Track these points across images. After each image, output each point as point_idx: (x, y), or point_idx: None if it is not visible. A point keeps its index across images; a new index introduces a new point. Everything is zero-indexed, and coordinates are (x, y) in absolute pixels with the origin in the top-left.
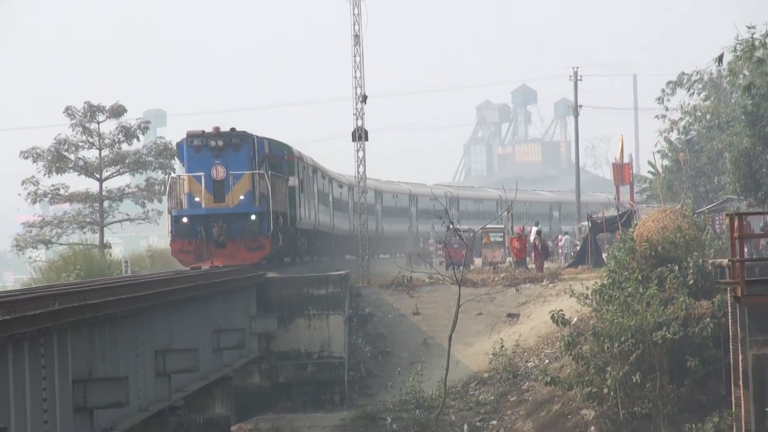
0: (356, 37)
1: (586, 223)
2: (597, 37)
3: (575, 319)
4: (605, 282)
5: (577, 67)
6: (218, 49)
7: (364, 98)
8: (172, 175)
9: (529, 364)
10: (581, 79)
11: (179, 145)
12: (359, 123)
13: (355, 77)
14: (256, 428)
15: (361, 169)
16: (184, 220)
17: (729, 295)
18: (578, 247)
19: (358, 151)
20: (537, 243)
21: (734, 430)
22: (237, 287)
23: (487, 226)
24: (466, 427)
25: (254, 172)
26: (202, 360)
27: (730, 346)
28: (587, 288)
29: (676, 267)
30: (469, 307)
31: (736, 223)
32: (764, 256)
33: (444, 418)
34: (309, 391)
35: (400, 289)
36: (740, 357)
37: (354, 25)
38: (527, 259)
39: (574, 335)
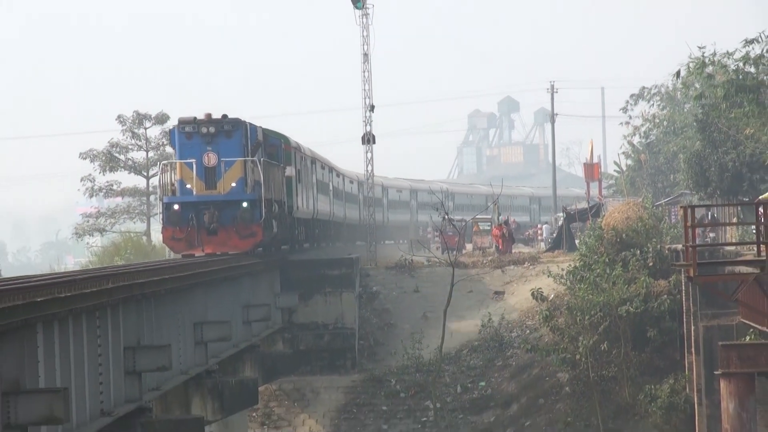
0: (365, 55)
1: (561, 214)
2: (571, 55)
3: (552, 296)
4: (578, 264)
5: (554, 81)
6: (243, 62)
7: (372, 107)
8: (164, 162)
9: (512, 334)
10: (557, 92)
11: (171, 132)
12: (368, 128)
13: (365, 89)
14: (280, 389)
15: (369, 168)
16: (176, 207)
17: (683, 275)
18: (555, 235)
19: (366, 152)
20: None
21: (687, 390)
22: (263, 268)
23: (477, 216)
24: (459, 387)
25: (246, 159)
26: (234, 330)
27: (684, 319)
28: (562, 269)
29: (638, 251)
30: (461, 286)
31: (689, 214)
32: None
33: (440, 380)
34: (325, 357)
35: (402, 270)
36: (692, 328)
37: (363, 45)
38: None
39: (551, 309)
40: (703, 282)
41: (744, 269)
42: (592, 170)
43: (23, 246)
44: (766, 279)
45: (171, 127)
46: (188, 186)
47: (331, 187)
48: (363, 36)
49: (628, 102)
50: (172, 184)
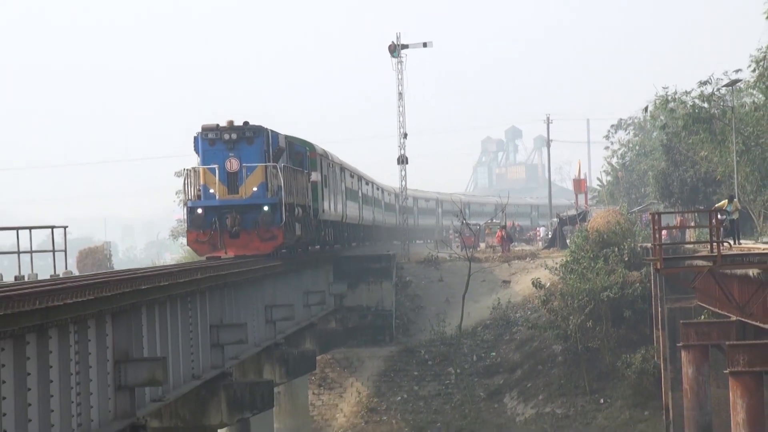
0: (400, 94)
1: (555, 219)
2: (563, 94)
3: (548, 284)
4: (568, 259)
5: (549, 114)
6: (305, 97)
7: (405, 135)
8: (187, 167)
9: (517, 315)
10: (552, 122)
11: (195, 138)
12: (402, 152)
13: (399, 121)
14: (333, 358)
15: (403, 183)
16: (199, 211)
17: (652, 268)
18: (550, 236)
19: (401, 171)
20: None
21: (655, 358)
22: (320, 262)
23: (489, 221)
24: (474, 356)
25: (267, 164)
26: (297, 312)
27: (653, 302)
28: (556, 263)
29: (616, 249)
30: (476, 277)
31: (656, 219)
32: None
33: (459, 350)
34: (368, 332)
35: (429, 264)
36: (659, 309)
37: (398, 86)
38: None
39: (547, 295)
40: (668, 273)
41: (700, 263)
42: (579, 185)
43: (131, 245)
44: (717, 271)
45: (195, 134)
46: (211, 191)
47: (360, 194)
48: (398, 79)
49: (609, 131)
50: (198, 189)
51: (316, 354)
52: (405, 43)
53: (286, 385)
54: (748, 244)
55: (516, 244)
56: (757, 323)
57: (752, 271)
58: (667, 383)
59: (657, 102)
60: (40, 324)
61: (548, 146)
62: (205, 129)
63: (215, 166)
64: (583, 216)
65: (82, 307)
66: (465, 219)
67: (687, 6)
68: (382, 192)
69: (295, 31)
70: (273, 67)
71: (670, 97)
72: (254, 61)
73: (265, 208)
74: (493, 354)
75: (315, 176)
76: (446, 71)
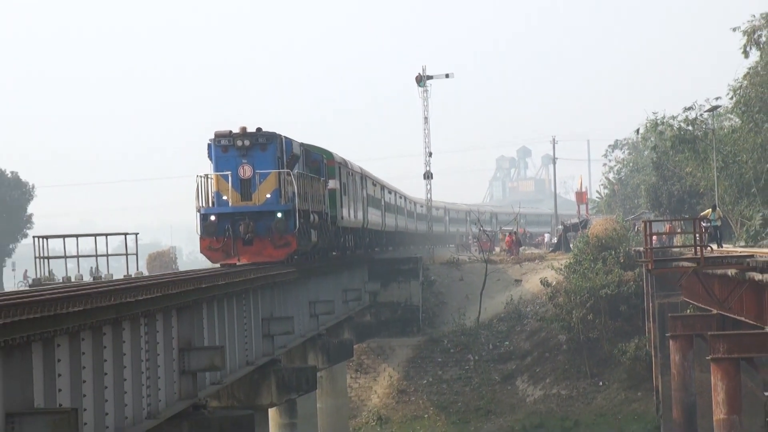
0: (425, 118)
1: (560, 226)
2: (567, 118)
3: (554, 282)
4: (572, 261)
5: (555, 136)
6: (342, 120)
7: (430, 154)
8: (200, 174)
9: (527, 309)
10: (557, 143)
11: (209, 145)
12: (428, 168)
13: (425, 141)
14: (368, 346)
15: (429, 195)
16: (212, 218)
17: (644, 268)
18: (556, 240)
19: (426, 185)
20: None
21: (647, 347)
22: (356, 264)
23: (503, 228)
24: (490, 345)
25: (280, 170)
26: (337, 307)
27: (645, 298)
28: (561, 264)
29: (613, 252)
30: (492, 276)
31: (647, 226)
32: (665, 247)
33: (477, 340)
34: (398, 325)
35: (451, 265)
36: (650, 304)
37: (424, 111)
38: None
39: (553, 292)
40: (658, 273)
41: (685, 264)
42: (581, 197)
43: (194, 249)
44: (700, 271)
45: (208, 141)
46: (224, 197)
47: (383, 202)
48: (424, 105)
49: (606, 150)
50: (211, 196)
51: (353, 343)
52: (430, 74)
53: (327, 370)
54: (728, 248)
55: (525, 248)
56: (735, 316)
57: (730, 271)
58: (657, 368)
59: (648, 125)
60: (115, 317)
61: (554, 163)
62: (218, 135)
63: (228, 172)
64: (584, 224)
65: (151, 303)
66: (482, 226)
67: (676, 40)
68: (405, 200)
69: (332, 60)
70: (311, 93)
71: (659, 121)
72: (294, 89)
73: (279, 214)
74: (507, 343)
75: (333, 184)
76: (465, 97)
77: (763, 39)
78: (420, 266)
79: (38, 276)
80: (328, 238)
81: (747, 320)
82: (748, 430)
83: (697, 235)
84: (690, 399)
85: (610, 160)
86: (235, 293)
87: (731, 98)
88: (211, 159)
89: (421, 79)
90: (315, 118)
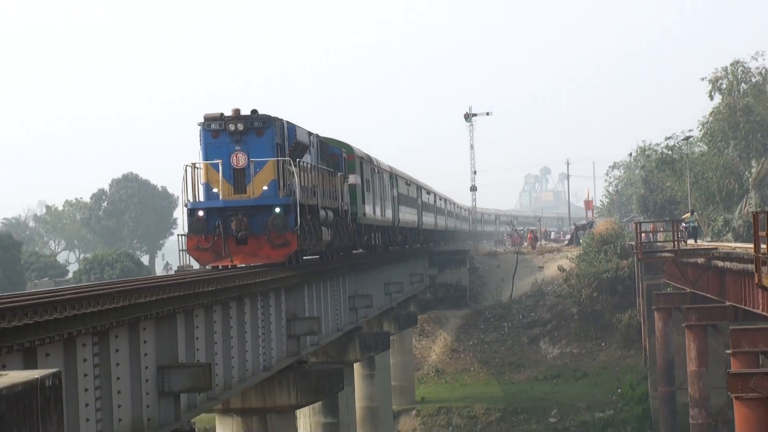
0: (471, 146)
1: (573, 226)
2: (577, 145)
3: (568, 268)
4: (581, 252)
5: (568, 159)
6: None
7: (475, 172)
8: (187, 163)
9: (548, 288)
10: (570, 164)
11: (200, 130)
12: (473, 183)
13: (471, 163)
14: (428, 317)
15: (474, 204)
16: (200, 213)
17: (635, 257)
18: (570, 237)
19: (472, 196)
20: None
21: (638, 317)
22: (420, 254)
23: (529, 227)
24: (520, 315)
25: (278, 159)
26: (405, 287)
27: (636, 280)
28: (574, 255)
29: (612, 245)
30: (521, 264)
31: (638, 227)
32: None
33: (510, 312)
34: (451, 300)
35: (491, 256)
36: (640, 285)
37: (470, 140)
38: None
39: (567, 275)
40: (646, 261)
41: (666, 254)
42: (588, 204)
43: None
44: (677, 259)
45: (197, 123)
46: (214, 190)
47: (420, 202)
48: (470, 136)
49: (607, 170)
50: (201, 188)
51: (417, 314)
52: (475, 112)
53: (397, 335)
54: (699, 243)
55: (544, 242)
56: (703, 293)
57: (699, 260)
58: (645, 333)
59: (638, 150)
60: (239, 295)
61: (568, 179)
62: (208, 119)
63: (219, 161)
64: (590, 224)
65: (265, 285)
66: (514, 226)
67: (661, 86)
68: (446, 202)
69: (389, 96)
70: (381, 124)
71: (646, 147)
72: (355, 123)
73: (277, 209)
74: (532, 314)
75: (354, 179)
76: (501, 128)
77: (724, 86)
78: (467, 256)
79: (181, 264)
80: (348, 235)
81: (712, 296)
82: (712, 379)
83: (678, 233)
84: (669, 355)
85: (610, 177)
86: (329, 276)
87: (700, 130)
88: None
89: (468, 116)
90: (384, 146)
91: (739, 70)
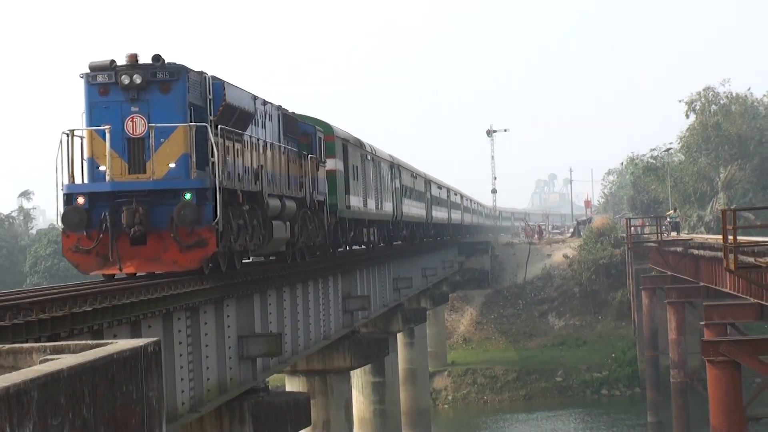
0: (492, 157)
1: (575, 221)
2: (577, 154)
3: (572, 256)
4: (582, 243)
5: (571, 166)
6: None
7: (495, 178)
8: (65, 130)
9: (555, 272)
10: (573, 171)
11: (83, 85)
12: (493, 187)
13: (492, 172)
14: (457, 295)
15: (495, 203)
16: (80, 199)
17: (626, 247)
18: (572, 230)
19: (493, 197)
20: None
21: (628, 295)
22: (449, 245)
23: (539, 223)
24: (532, 294)
25: (192, 124)
26: (438, 271)
27: (626, 265)
28: (576, 245)
29: (607, 237)
30: (533, 252)
31: (628, 222)
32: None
33: (525, 291)
34: (476, 282)
35: (508, 246)
36: (630, 269)
37: (491, 152)
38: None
39: (571, 261)
40: (635, 250)
41: (651, 244)
42: (587, 204)
43: None
44: (660, 248)
45: (80, 75)
46: (101, 168)
47: (428, 196)
48: (491, 149)
49: (603, 175)
50: (82, 165)
51: (449, 293)
52: (495, 129)
53: (432, 310)
54: (681, 236)
55: (549, 235)
56: (681, 275)
57: (678, 248)
58: (634, 308)
59: (628, 160)
60: (303, 279)
61: (571, 184)
62: (94, 69)
63: (107, 127)
64: (589, 220)
65: (324, 271)
66: (527, 221)
67: (646, 106)
68: (462, 198)
69: (429, 115)
70: (412, 135)
71: (634, 157)
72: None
73: (187, 195)
74: (542, 293)
75: (333, 164)
76: (516, 139)
77: (697, 107)
78: (489, 246)
79: None
80: (319, 232)
81: (688, 278)
82: (689, 345)
83: (662, 227)
84: (654, 326)
85: (605, 182)
86: (377, 261)
87: (679, 143)
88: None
89: (489, 133)
90: (413, 152)
91: (710, 94)
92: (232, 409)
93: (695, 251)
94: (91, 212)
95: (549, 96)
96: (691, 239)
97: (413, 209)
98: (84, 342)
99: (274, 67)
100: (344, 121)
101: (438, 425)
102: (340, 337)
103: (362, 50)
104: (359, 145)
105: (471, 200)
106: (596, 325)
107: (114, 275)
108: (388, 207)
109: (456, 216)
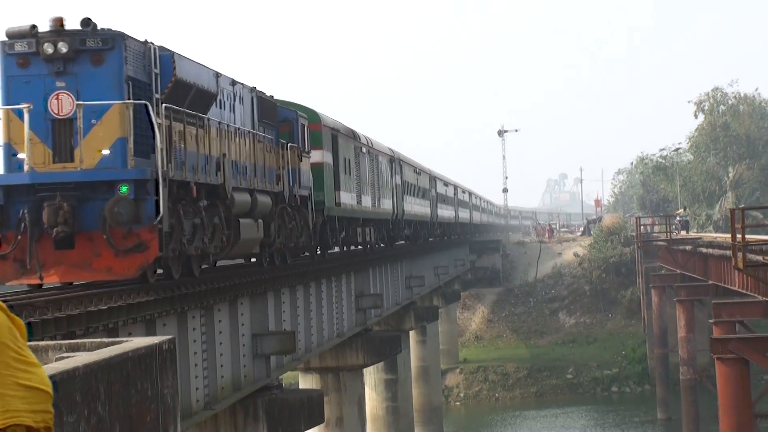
0: (503, 156)
1: (585, 220)
2: (587, 155)
3: (582, 254)
4: (592, 241)
5: (581, 167)
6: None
7: (506, 178)
8: None
9: (565, 270)
10: (583, 170)
11: None
12: (504, 187)
13: (504, 172)
14: (469, 293)
15: (506, 203)
16: None
17: (636, 245)
18: (583, 228)
19: (504, 197)
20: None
21: (638, 293)
22: (461, 244)
23: (549, 222)
24: (543, 292)
25: (130, 102)
26: (450, 269)
27: (636, 263)
28: (586, 243)
29: (617, 235)
30: (543, 250)
31: (638, 221)
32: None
33: (536, 289)
34: (487, 280)
35: (519, 244)
36: (640, 267)
37: (502, 152)
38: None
39: (581, 260)
40: (644, 248)
41: (661, 243)
42: (598, 203)
43: None
44: (670, 246)
45: None
46: (20, 155)
47: (433, 193)
48: (502, 149)
49: (614, 175)
50: None
51: (461, 291)
52: (506, 129)
53: (444, 308)
54: (690, 234)
55: (560, 232)
56: (690, 274)
57: (687, 247)
58: (644, 306)
59: (637, 159)
60: (316, 278)
61: (581, 183)
62: (12, 36)
63: (27, 105)
64: (599, 219)
65: (337, 269)
66: (538, 220)
67: (656, 106)
68: (471, 196)
69: (441, 115)
70: (427, 132)
71: (644, 157)
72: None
73: (123, 188)
74: (553, 291)
75: (319, 156)
76: (527, 140)
77: (706, 108)
78: (500, 244)
79: None
80: (303, 231)
81: (697, 276)
82: (698, 343)
83: (672, 226)
84: (663, 324)
85: (615, 181)
86: (389, 261)
87: (687, 143)
88: None
89: (501, 133)
90: (428, 150)
91: (718, 95)
92: (246, 406)
93: (704, 250)
94: (7, 209)
95: (560, 97)
96: (700, 238)
97: (416, 207)
98: (99, 340)
99: (291, 68)
100: (361, 122)
101: (450, 422)
102: (353, 334)
103: (374, 51)
104: (352, 136)
105: (480, 198)
106: (606, 323)
107: (41, 285)
108: (387, 204)
109: (464, 215)
